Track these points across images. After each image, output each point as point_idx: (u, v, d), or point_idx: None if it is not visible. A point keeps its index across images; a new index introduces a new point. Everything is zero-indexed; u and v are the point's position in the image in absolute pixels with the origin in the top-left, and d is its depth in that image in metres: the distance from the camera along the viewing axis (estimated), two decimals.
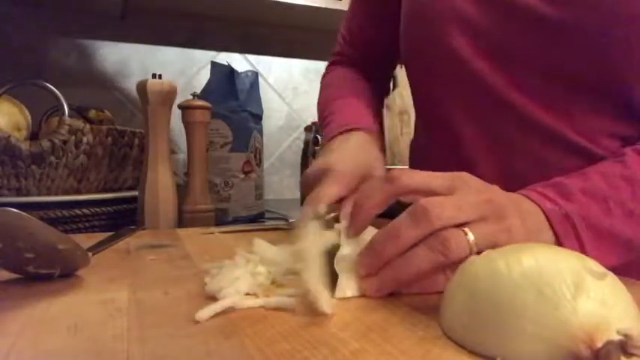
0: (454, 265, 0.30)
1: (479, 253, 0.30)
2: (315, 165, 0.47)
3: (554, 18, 0.44)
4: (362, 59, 0.70)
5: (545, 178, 0.39)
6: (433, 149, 0.54)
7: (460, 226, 0.32)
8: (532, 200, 0.37)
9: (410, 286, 0.33)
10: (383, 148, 0.53)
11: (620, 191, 0.39)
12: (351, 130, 0.53)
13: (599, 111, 0.46)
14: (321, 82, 0.73)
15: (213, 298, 0.30)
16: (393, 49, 0.61)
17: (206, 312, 0.27)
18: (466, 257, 0.30)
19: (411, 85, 0.61)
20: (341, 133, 0.53)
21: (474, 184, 0.35)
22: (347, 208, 0.40)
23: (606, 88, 0.45)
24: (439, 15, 0.51)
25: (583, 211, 0.37)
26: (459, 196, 0.34)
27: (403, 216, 0.33)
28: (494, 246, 0.31)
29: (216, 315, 0.28)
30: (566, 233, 0.36)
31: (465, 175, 0.36)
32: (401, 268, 0.32)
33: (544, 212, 0.36)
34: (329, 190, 0.42)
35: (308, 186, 0.46)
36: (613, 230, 0.38)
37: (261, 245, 0.38)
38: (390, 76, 0.73)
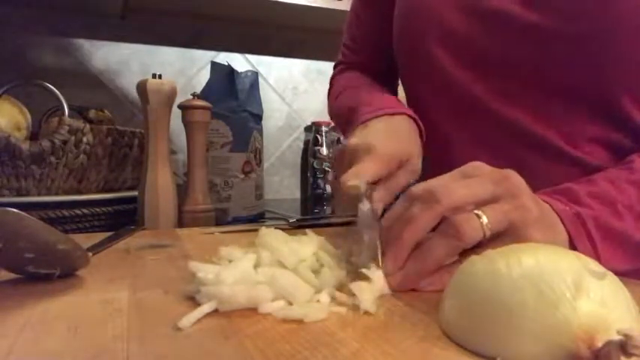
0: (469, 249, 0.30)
1: (493, 235, 0.31)
2: (355, 141, 0.44)
3: (537, 25, 0.44)
4: (370, 66, 0.69)
5: (531, 184, 0.40)
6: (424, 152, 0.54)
7: (474, 209, 0.32)
8: (543, 201, 0.37)
9: (431, 283, 0.33)
10: (422, 135, 0.51)
11: (627, 195, 0.39)
12: (395, 114, 0.50)
13: (584, 116, 0.46)
14: (332, 87, 0.72)
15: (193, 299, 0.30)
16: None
17: (190, 319, 0.26)
18: (481, 240, 0.31)
19: (405, 90, 0.61)
20: (381, 116, 0.50)
21: (487, 168, 0.35)
22: (379, 193, 0.40)
23: (590, 93, 0.45)
24: (423, 25, 0.51)
25: (592, 213, 0.37)
26: (469, 178, 0.34)
27: (414, 203, 0.33)
28: (508, 225, 0.31)
29: (216, 315, 0.28)
30: (578, 232, 0.36)
31: (475, 163, 0.36)
32: (420, 260, 0.32)
33: (556, 212, 0.36)
34: (369, 168, 0.40)
35: (345, 160, 0.44)
36: (621, 232, 0.38)
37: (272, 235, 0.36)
38: (396, 86, 0.72)
